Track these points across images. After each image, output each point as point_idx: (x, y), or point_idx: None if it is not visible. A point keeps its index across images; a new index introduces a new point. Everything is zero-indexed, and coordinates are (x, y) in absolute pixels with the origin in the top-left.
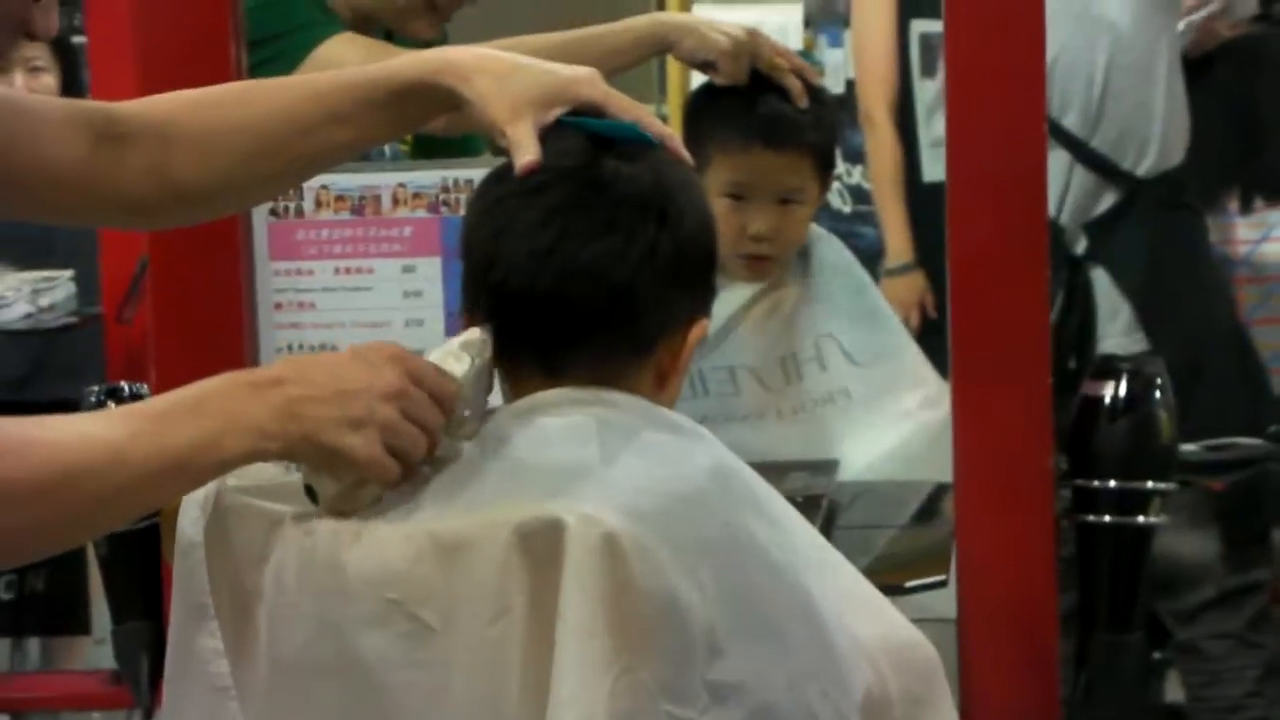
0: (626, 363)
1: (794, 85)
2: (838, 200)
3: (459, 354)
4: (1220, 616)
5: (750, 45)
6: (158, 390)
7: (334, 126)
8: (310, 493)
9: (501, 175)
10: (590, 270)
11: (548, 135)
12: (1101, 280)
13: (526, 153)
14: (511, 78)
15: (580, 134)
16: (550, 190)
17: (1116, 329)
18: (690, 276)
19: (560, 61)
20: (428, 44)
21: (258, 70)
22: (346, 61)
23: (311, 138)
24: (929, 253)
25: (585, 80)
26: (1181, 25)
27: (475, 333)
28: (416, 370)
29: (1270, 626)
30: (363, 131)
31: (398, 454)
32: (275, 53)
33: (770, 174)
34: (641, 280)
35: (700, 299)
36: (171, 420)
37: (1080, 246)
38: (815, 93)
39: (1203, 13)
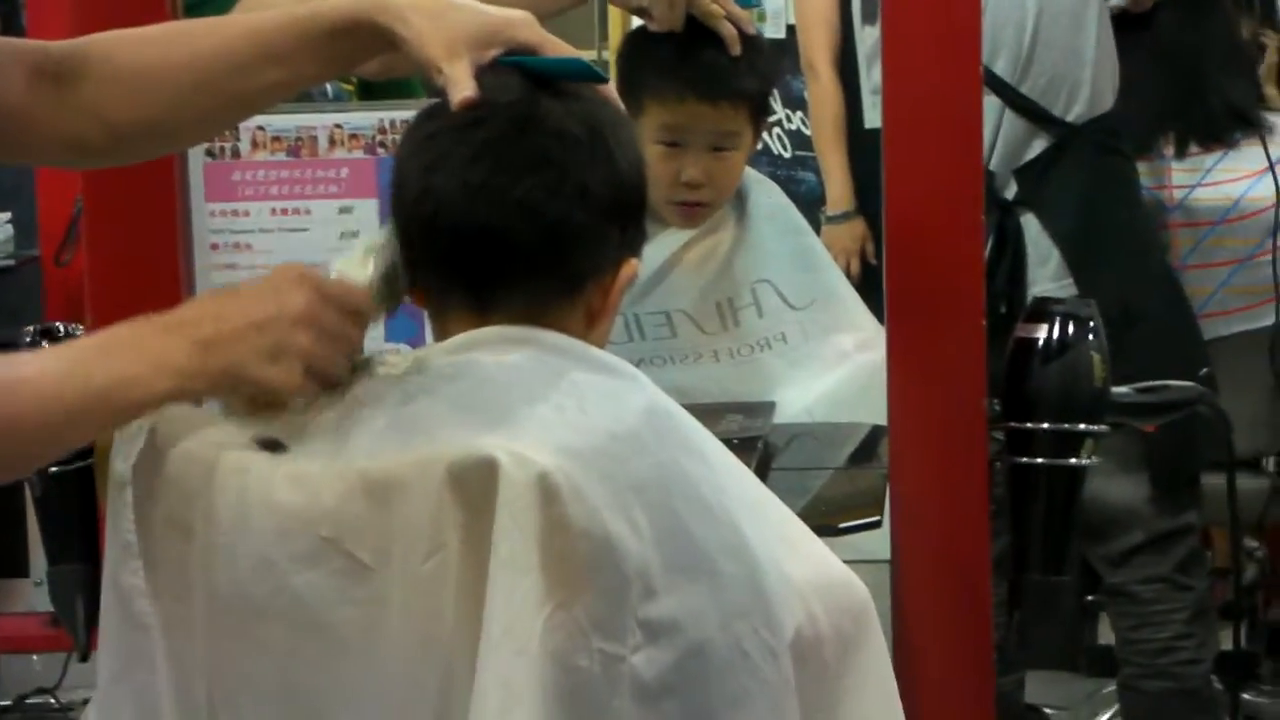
0: (557, 301)
1: (728, 32)
2: (778, 145)
3: (363, 259)
4: (1149, 560)
5: None
6: (92, 330)
7: (271, 65)
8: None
9: (434, 112)
10: (522, 205)
11: (482, 75)
12: (1031, 225)
13: (463, 89)
14: (447, 16)
15: (515, 73)
16: (483, 125)
17: (1046, 274)
18: (622, 215)
19: (492, 4)
20: None
21: (195, 11)
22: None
23: (248, 76)
24: (870, 198)
25: (522, 22)
26: None
27: (379, 236)
28: (324, 289)
29: (1200, 569)
30: (299, 70)
31: (319, 375)
32: None
33: (704, 122)
34: (574, 217)
35: (631, 239)
36: (97, 361)
37: (1010, 192)
38: (750, 39)
39: None
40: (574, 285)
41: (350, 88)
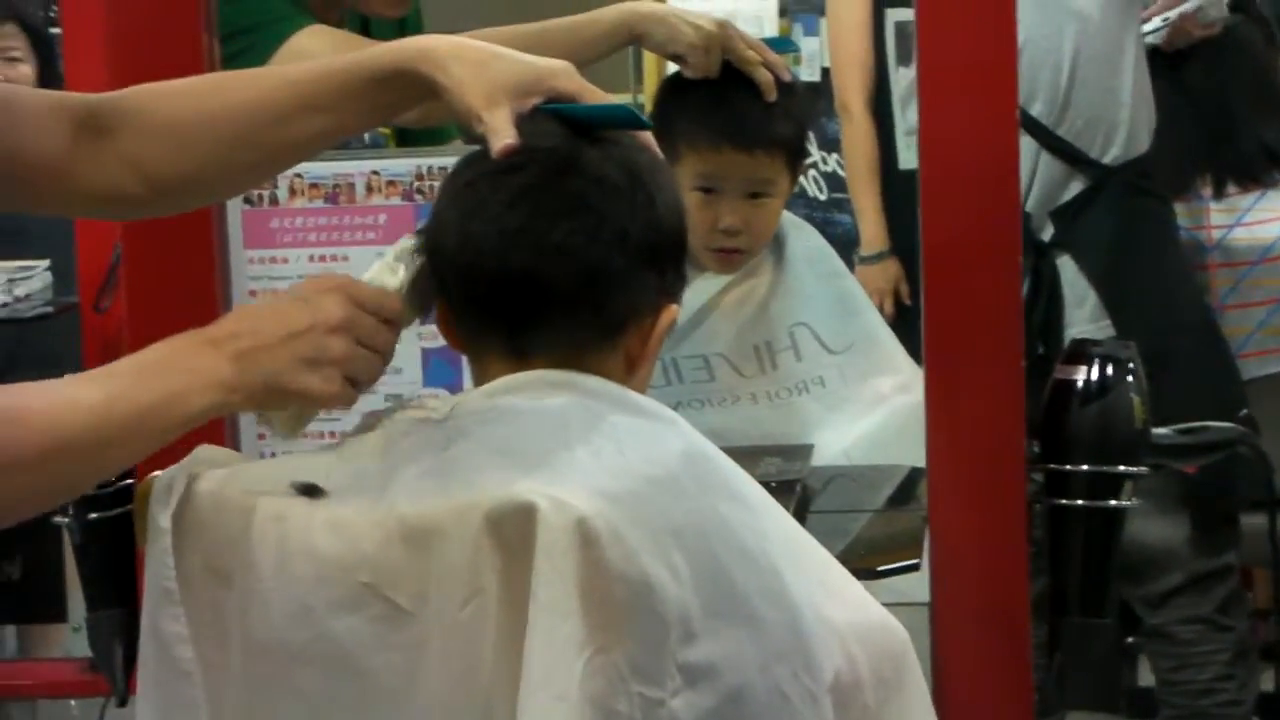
0: (596, 345)
1: (764, 79)
2: (814, 188)
3: (393, 265)
4: (1189, 601)
5: (720, 38)
6: None
7: (310, 115)
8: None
9: (472, 160)
10: (561, 249)
11: (522, 123)
12: (1068, 267)
13: (504, 137)
14: (489, 65)
15: (554, 121)
16: (520, 172)
17: (1082, 316)
18: (661, 260)
19: (531, 53)
20: (401, 25)
21: (229, 65)
22: (317, 53)
23: (288, 126)
24: (904, 239)
25: (562, 72)
26: (1157, 22)
27: (405, 241)
28: (358, 296)
29: (1240, 609)
30: (339, 120)
31: (356, 382)
32: (246, 46)
33: (740, 170)
34: (612, 260)
35: (671, 284)
36: (141, 379)
37: (1046, 234)
38: (785, 85)
39: (1176, 12)
40: (613, 330)
41: (388, 133)
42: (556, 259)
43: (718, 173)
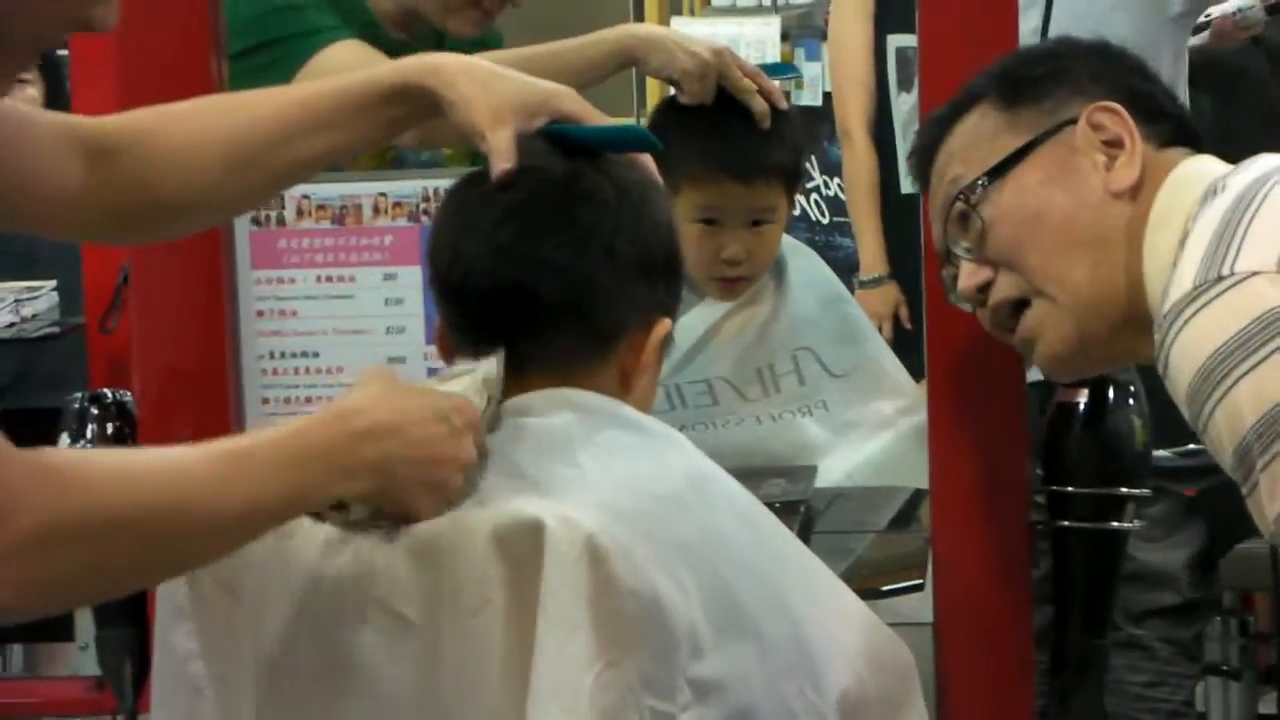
0: (589, 359)
1: (759, 108)
2: (815, 211)
3: (480, 391)
4: (1174, 623)
5: (716, 66)
6: (141, 398)
7: (317, 133)
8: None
9: (467, 180)
10: (549, 264)
11: (523, 142)
12: None
13: (505, 160)
14: (495, 84)
15: (549, 141)
16: (512, 189)
17: None
18: (652, 275)
19: (536, 74)
20: (482, 44)
21: (259, 76)
22: (346, 67)
23: (294, 145)
24: (906, 263)
25: (566, 95)
26: (1209, 13)
27: (493, 367)
28: (479, 437)
29: (1201, 648)
30: (346, 137)
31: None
32: (279, 56)
33: (740, 201)
34: (600, 274)
35: (663, 300)
36: (270, 468)
37: None
38: (780, 111)
39: (1218, 11)
40: (605, 343)
41: (450, 152)
42: (545, 273)
43: (718, 204)
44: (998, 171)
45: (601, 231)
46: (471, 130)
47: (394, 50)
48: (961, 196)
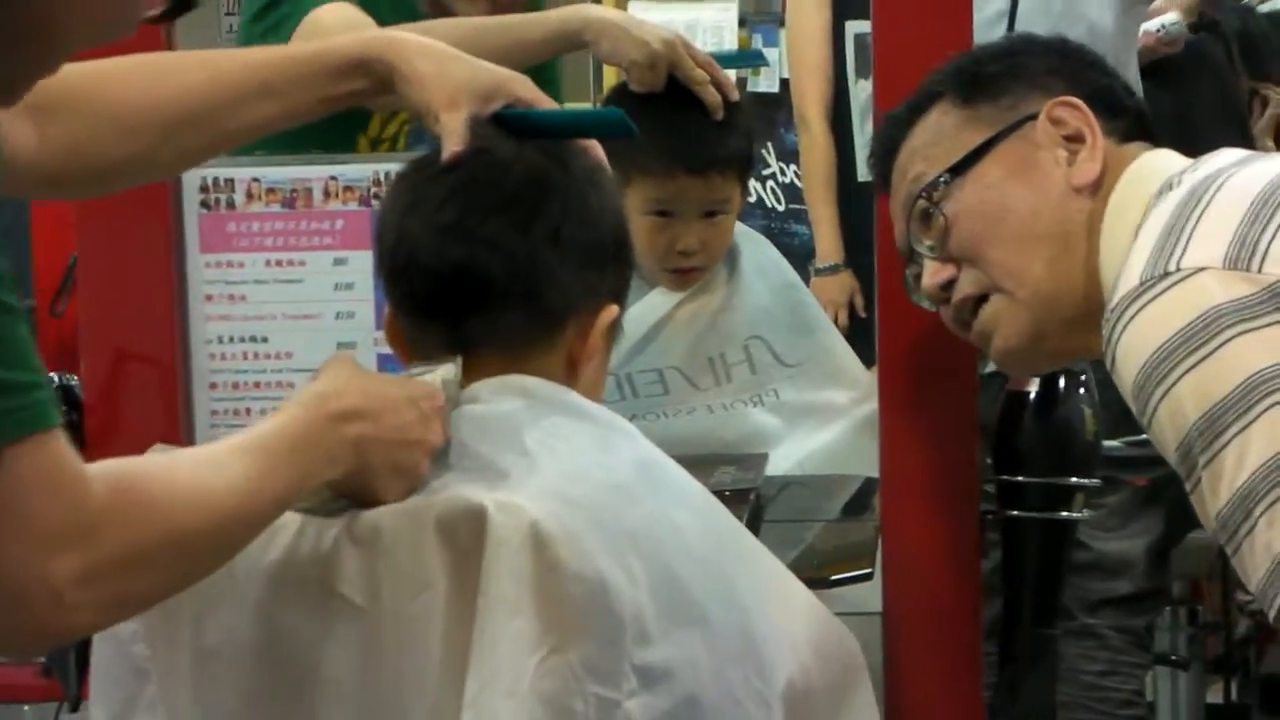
0: (536, 342)
1: (712, 99)
2: (772, 199)
3: (440, 391)
4: (1128, 612)
5: (666, 57)
6: (88, 383)
7: (261, 101)
8: None
9: (418, 163)
10: (492, 243)
11: (475, 125)
12: None
13: (458, 142)
14: (451, 66)
15: (496, 126)
16: (457, 170)
17: None
18: (599, 259)
19: (468, 47)
20: None
21: (260, 39)
22: (332, 29)
23: (238, 112)
24: (863, 251)
25: (521, 81)
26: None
27: (450, 370)
28: (444, 424)
29: (1152, 641)
30: (290, 107)
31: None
32: (279, 19)
33: (694, 194)
34: (543, 255)
35: (610, 285)
36: (283, 458)
37: None
38: (731, 102)
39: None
40: (551, 326)
41: None
42: (488, 252)
43: (672, 197)
44: (959, 168)
45: (548, 214)
46: (426, 109)
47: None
48: (924, 194)
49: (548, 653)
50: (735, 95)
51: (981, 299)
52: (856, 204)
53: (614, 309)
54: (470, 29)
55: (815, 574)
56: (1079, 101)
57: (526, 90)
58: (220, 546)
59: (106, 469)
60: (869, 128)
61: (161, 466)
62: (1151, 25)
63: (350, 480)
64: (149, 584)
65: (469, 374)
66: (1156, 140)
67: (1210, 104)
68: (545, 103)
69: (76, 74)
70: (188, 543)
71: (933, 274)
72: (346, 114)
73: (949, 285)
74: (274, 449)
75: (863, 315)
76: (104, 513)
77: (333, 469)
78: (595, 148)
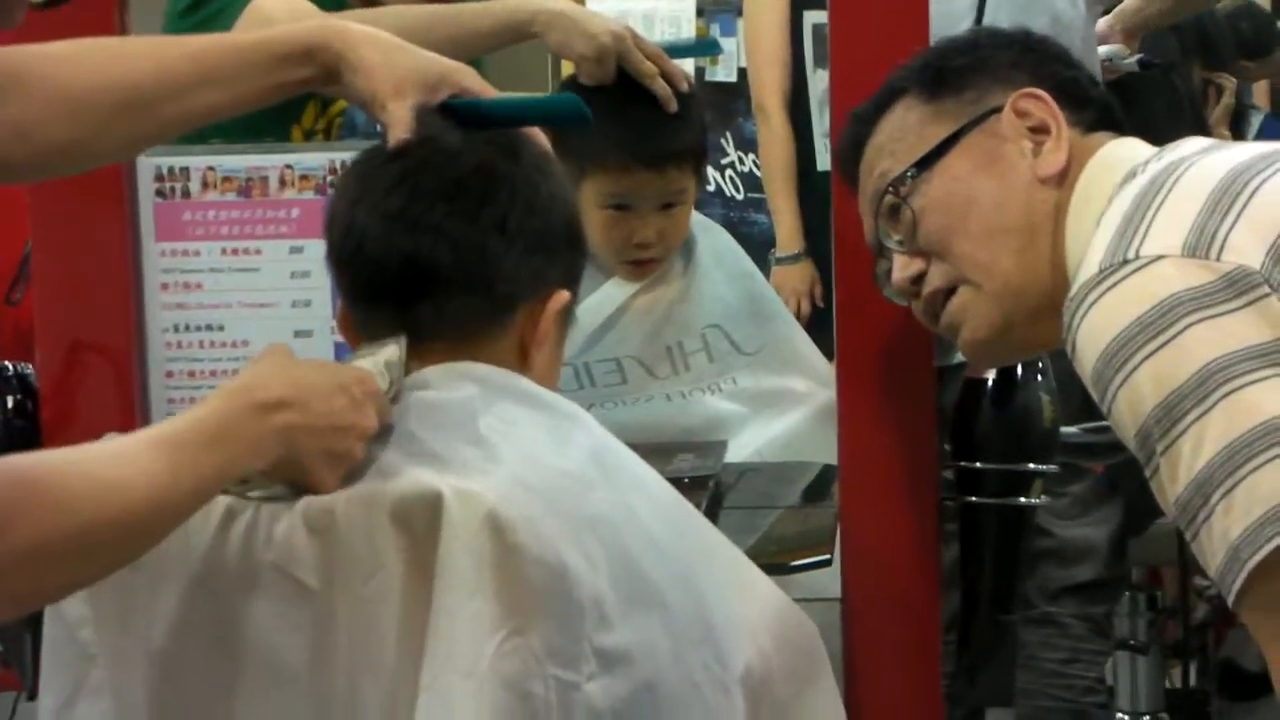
0: (486, 329)
1: (662, 92)
2: (730, 188)
3: (384, 373)
4: (1090, 599)
5: (614, 51)
6: (42, 371)
7: (207, 89)
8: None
9: (368, 153)
10: (439, 230)
11: (422, 115)
12: None
13: (404, 131)
14: (397, 56)
15: (443, 116)
16: (404, 158)
17: None
18: (548, 246)
19: (417, 37)
20: None
21: (207, 25)
22: (276, 17)
23: (183, 99)
24: (822, 241)
25: (467, 71)
26: None
27: (393, 351)
28: (381, 409)
29: (1110, 628)
30: (236, 94)
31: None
32: (217, 10)
33: (651, 188)
34: (491, 241)
35: (561, 271)
36: (200, 450)
37: None
38: (683, 93)
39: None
40: (501, 312)
41: None
42: (435, 240)
43: (628, 191)
44: (926, 162)
45: (495, 201)
46: (372, 99)
47: None
48: (891, 189)
49: (508, 634)
50: (685, 86)
51: (951, 291)
52: (816, 194)
53: (565, 295)
54: (418, 19)
55: (774, 560)
56: (1043, 93)
57: (473, 81)
58: (131, 540)
59: (9, 464)
60: (827, 117)
61: (68, 461)
62: (1101, 52)
63: (282, 469)
64: (55, 579)
65: (421, 361)
66: (1122, 130)
67: (1166, 101)
68: (492, 93)
69: (24, 56)
70: (94, 537)
71: (902, 268)
72: (281, 105)
73: (919, 279)
74: (189, 441)
75: (820, 305)
76: (5, 509)
77: (258, 459)
78: (541, 135)
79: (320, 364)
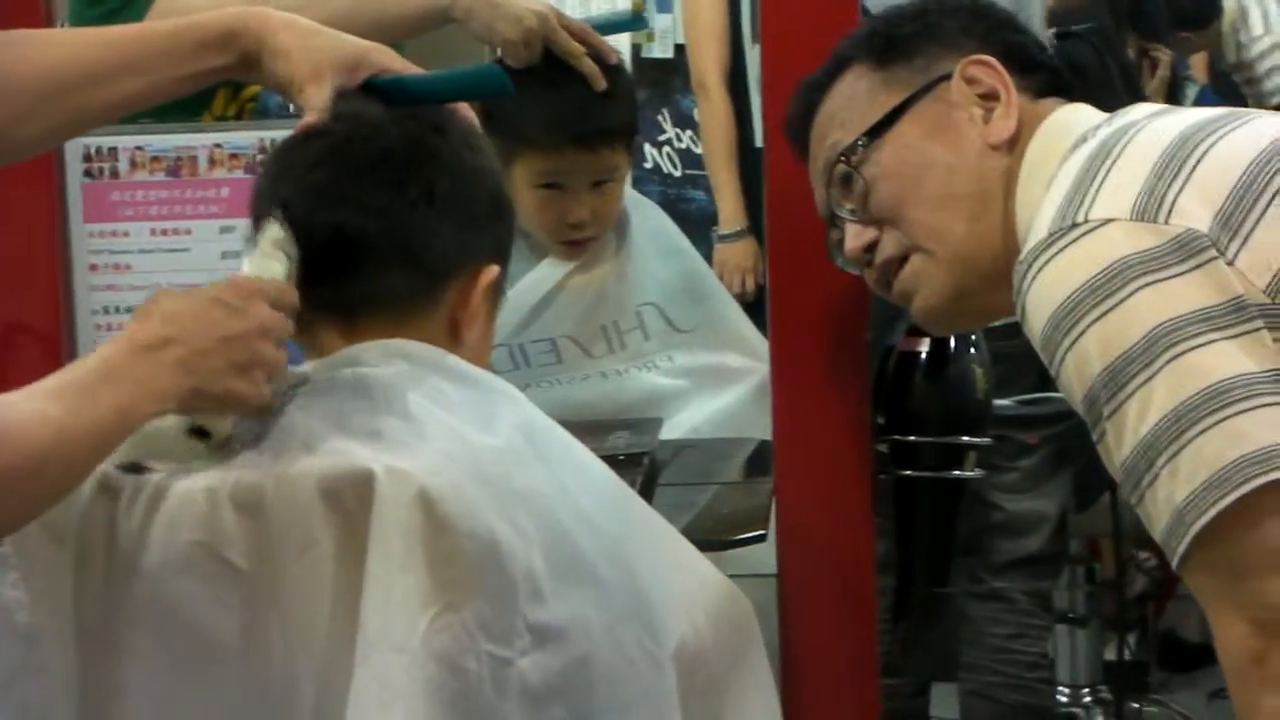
0: (416, 305)
1: (590, 71)
2: (668, 164)
3: (273, 254)
4: (1037, 573)
5: (539, 33)
6: None
7: (126, 77)
8: (197, 433)
9: (293, 133)
10: (364, 203)
11: (343, 96)
12: None
13: (318, 113)
14: (314, 39)
15: (368, 96)
16: (328, 134)
17: None
18: (476, 219)
19: (340, 23)
20: None
21: (108, 20)
22: (189, 4)
23: (101, 88)
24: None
25: (383, 50)
26: None
27: (276, 228)
28: (274, 298)
29: (1051, 603)
30: (155, 83)
31: (276, 381)
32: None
33: (584, 167)
34: (417, 214)
35: (490, 244)
36: (94, 395)
37: None
38: (612, 70)
39: None
40: (430, 287)
41: None
42: (361, 213)
43: (560, 170)
44: (876, 131)
45: (422, 174)
46: (290, 83)
47: None
48: (842, 158)
49: (440, 610)
50: (614, 59)
51: (904, 260)
52: (756, 170)
53: (494, 269)
54: (340, 5)
55: (709, 536)
56: (992, 59)
57: (393, 60)
58: (27, 490)
59: None
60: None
61: None
62: None
63: (197, 400)
64: None
65: (353, 339)
66: (1071, 95)
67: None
68: (413, 71)
69: None
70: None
71: (855, 237)
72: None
73: (871, 248)
74: (79, 384)
75: (761, 283)
76: None
77: (160, 400)
78: (468, 110)
79: (192, 290)
